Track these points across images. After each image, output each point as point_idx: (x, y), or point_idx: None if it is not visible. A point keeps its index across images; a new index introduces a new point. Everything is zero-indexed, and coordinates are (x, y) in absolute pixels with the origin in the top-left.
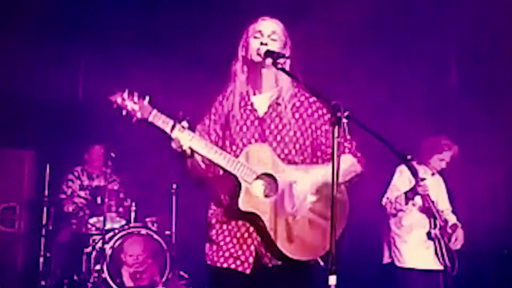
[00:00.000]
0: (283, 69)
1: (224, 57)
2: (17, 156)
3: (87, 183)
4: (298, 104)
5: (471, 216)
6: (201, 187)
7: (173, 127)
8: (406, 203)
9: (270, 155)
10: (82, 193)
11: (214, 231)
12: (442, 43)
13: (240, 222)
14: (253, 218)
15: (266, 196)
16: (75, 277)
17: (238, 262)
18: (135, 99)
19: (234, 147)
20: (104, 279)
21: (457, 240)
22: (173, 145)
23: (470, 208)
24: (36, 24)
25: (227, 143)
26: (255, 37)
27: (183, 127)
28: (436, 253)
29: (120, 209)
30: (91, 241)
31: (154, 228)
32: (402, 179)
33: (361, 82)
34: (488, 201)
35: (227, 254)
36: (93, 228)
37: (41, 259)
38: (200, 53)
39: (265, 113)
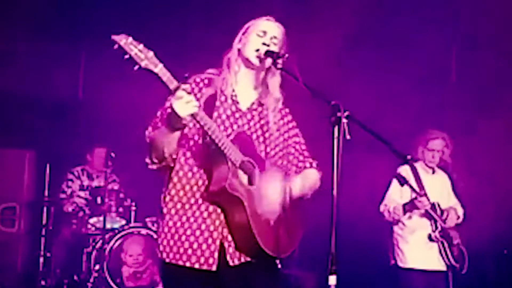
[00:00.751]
0: (283, 69)
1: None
2: (17, 156)
3: (87, 183)
4: (276, 110)
5: (471, 216)
6: (158, 167)
7: (178, 87)
8: (404, 214)
9: (254, 147)
10: (82, 193)
11: (171, 223)
12: (442, 42)
13: (205, 214)
14: (232, 204)
15: (249, 184)
16: (75, 277)
17: (202, 260)
18: (141, 46)
19: None
20: (104, 279)
21: (448, 219)
22: (178, 107)
23: (470, 208)
24: (36, 24)
25: None
26: (258, 35)
27: (187, 89)
28: (440, 254)
29: (120, 209)
30: (91, 241)
31: (154, 228)
32: (399, 189)
33: (361, 82)
34: (488, 201)
35: (189, 251)
36: (93, 228)
37: (41, 259)
38: (201, 53)
39: (248, 108)
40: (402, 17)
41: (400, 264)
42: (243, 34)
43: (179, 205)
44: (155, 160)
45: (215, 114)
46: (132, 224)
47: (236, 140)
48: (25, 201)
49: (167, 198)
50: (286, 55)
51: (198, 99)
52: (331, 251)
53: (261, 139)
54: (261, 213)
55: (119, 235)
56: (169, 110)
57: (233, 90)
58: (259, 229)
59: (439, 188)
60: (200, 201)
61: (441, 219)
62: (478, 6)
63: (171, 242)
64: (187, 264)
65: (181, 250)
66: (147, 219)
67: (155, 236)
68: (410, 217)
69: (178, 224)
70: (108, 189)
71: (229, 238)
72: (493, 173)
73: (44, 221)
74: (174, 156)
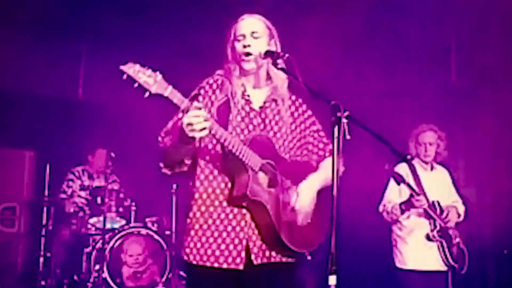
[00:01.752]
0: (282, 69)
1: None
2: (17, 156)
3: (88, 183)
4: (289, 103)
5: (471, 216)
6: (172, 173)
7: (189, 106)
8: (402, 213)
9: (272, 146)
10: (82, 193)
11: (197, 226)
12: (442, 42)
13: (231, 215)
14: (256, 207)
15: (269, 186)
16: (75, 277)
17: (230, 260)
18: (149, 72)
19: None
20: (104, 279)
21: (449, 219)
22: (187, 129)
23: (470, 208)
24: (36, 24)
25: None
26: (238, 40)
27: (198, 106)
28: (440, 254)
29: (120, 209)
30: (91, 241)
31: (154, 228)
32: (397, 188)
33: (361, 82)
34: (488, 202)
35: (217, 252)
36: (93, 228)
37: (41, 259)
38: (202, 53)
39: (261, 107)
40: (402, 17)
41: (398, 265)
42: (230, 42)
43: (203, 208)
44: (167, 167)
45: (230, 117)
46: (132, 224)
47: (253, 144)
48: (25, 201)
49: (192, 202)
50: (286, 55)
51: (212, 102)
52: (331, 251)
53: (278, 135)
54: (287, 210)
55: (119, 235)
56: (180, 124)
57: (245, 90)
58: (284, 228)
59: (438, 185)
60: (224, 203)
61: (441, 218)
62: (478, 6)
63: (198, 245)
64: (215, 265)
65: (209, 251)
66: (147, 219)
67: (155, 236)
68: (408, 217)
69: (205, 226)
70: (108, 189)
71: (253, 238)
72: (493, 172)
73: (44, 221)
74: (187, 162)
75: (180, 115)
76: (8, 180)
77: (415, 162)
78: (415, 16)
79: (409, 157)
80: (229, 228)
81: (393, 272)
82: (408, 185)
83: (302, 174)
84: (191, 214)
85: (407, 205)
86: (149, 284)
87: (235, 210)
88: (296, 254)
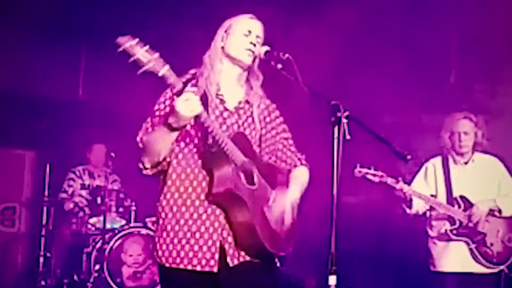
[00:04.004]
0: (283, 70)
1: None
2: (17, 156)
3: (88, 182)
4: (263, 106)
5: None
6: (152, 172)
7: (183, 88)
8: (409, 207)
9: (251, 146)
10: (83, 192)
11: (169, 227)
12: (442, 42)
13: (204, 216)
14: (234, 204)
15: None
16: (75, 277)
17: (203, 262)
18: (147, 47)
19: (199, 134)
20: (104, 279)
21: (474, 216)
22: (184, 108)
23: None
24: (36, 24)
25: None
26: (244, 35)
27: (194, 91)
28: (471, 255)
29: (120, 209)
30: (91, 241)
31: (154, 228)
32: (428, 178)
33: (360, 82)
34: None
35: (190, 254)
36: (93, 228)
37: (41, 259)
38: (200, 52)
39: (235, 107)
40: (401, 17)
41: (431, 267)
42: (226, 32)
43: (175, 208)
44: (148, 165)
45: (210, 115)
46: (132, 224)
47: (235, 140)
48: (25, 201)
49: (163, 202)
50: (287, 55)
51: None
52: (331, 251)
53: (249, 137)
54: (264, 210)
55: (119, 235)
56: (158, 117)
57: (219, 90)
58: (262, 228)
59: (475, 179)
60: (196, 202)
61: (461, 214)
62: (478, 5)
63: (170, 246)
64: (189, 267)
65: (182, 253)
66: (147, 219)
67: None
68: (436, 217)
69: (176, 227)
70: (108, 189)
71: (229, 239)
72: None
73: (44, 221)
74: (168, 159)
75: (156, 108)
76: (8, 180)
77: (450, 156)
78: (415, 16)
79: (409, 157)
80: (202, 228)
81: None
82: (385, 182)
83: (276, 177)
84: (162, 215)
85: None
86: (149, 284)
87: (209, 210)
88: (272, 255)
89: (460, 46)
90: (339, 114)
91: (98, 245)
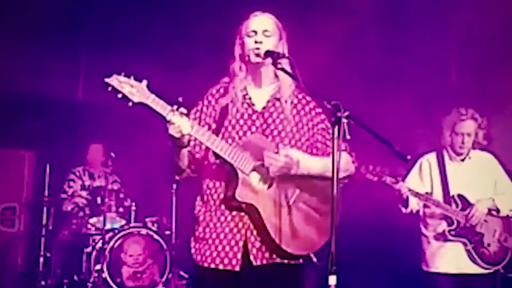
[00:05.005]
0: (283, 69)
1: (221, 53)
2: (17, 156)
3: (89, 183)
4: (296, 101)
5: None
6: (185, 179)
7: (172, 111)
8: (405, 207)
9: (268, 146)
10: (83, 193)
11: (200, 228)
12: (442, 41)
13: (229, 217)
14: (249, 209)
15: (263, 187)
16: (75, 277)
17: (226, 261)
18: (132, 82)
19: (230, 140)
20: (104, 279)
21: (473, 217)
22: (171, 131)
23: None
24: (36, 24)
25: (225, 136)
26: (249, 36)
27: (182, 112)
28: (468, 256)
29: (120, 209)
30: (91, 241)
31: (154, 228)
32: (423, 174)
33: (360, 82)
34: None
35: (214, 254)
36: (93, 228)
37: (41, 259)
38: (201, 53)
39: (264, 107)
40: (402, 16)
41: (424, 268)
42: (239, 38)
43: (206, 212)
44: (175, 173)
45: (233, 121)
46: (132, 224)
47: (248, 146)
48: (25, 201)
49: (199, 206)
50: (287, 55)
51: (215, 110)
52: (331, 251)
53: (283, 134)
54: (283, 211)
55: (119, 235)
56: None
57: (247, 93)
58: (278, 229)
59: (471, 177)
60: (223, 206)
61: (459, 214)
62: (479, 5)
63: (199, 246)
64: (212, 266)
65: (207, 253)
66: (147, 219)
67: (155, 236)
68: (431, 216)
69: (207, 229)
70: (108, 189)
71: (252, 239)
72: None
73: (44, 221)
74: (193, 167)
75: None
76: (8, 180)
77: (445, 152)
78: (416, 15)
79: (409, 157)
80: (227, 229)
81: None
82: (384, 182)
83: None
84: (196, 215)
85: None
86: (149, 284)
87: (234, 212)
88: (297, 256)
89: (460, 46)
90: (339, 114)
91: (98, 245)
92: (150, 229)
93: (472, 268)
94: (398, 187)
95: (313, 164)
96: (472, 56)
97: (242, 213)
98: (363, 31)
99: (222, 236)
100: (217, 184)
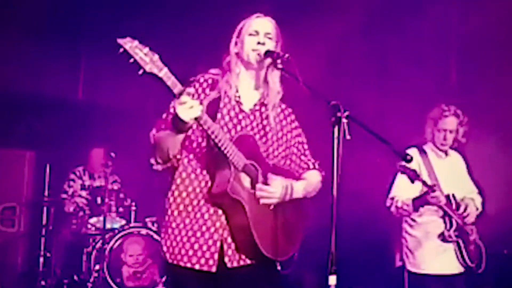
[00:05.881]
0: (283, 69)
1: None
2: (17, 156)
3: (88, 183)
4: (279, 110)
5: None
6: (162, 168)
7: (182, 91)
8: (415, 210)
9: (257, 148)
10: (83, 193)
11: (174, 224)
12: (442, 41)
13: (206, 215)
14: (234, 207)
15: (251, 187)
16: (75, 277)
17: (202, 261)
18: (146, 50)
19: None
20: (104, 279)
21: (467, 215)
22: (181, 111)
23: None
24: (36, 24)
25: None
26: (250, 35)
27: (190, 92)
28: (456, 255)
29: (120, 209)
30: (91, 241)
31: (154, 228)
32: (404, 181)
33: (360, 82)
34: (488, 203)
35: (190, 252)
36: (93, 228)
37: (41, 259)
38: (201, 53)
39: (250, 109)
40: (402, 16)
41: (411, 268)
42: (237, 36)
43: (181, 207)
44: (160, 161)
45: (219, 115)
46: (132, 224)
47: (239, 143)
48: (25, 201)
49: (171, 200)
50: (287, 55)
51: (201, 100)
52: (331, 251)
53: (264, 139)
54: (265, 214)
55: (119, 235)
56: (173, 113)
57: (237, 91)
58: (259, 232)
59: (453, 174)
60: (202, 202)
61: (458, 214)
62: (479, 6)
63: (174, 243)
64: (188, 265)
65: (183, 251)
66: (147, 219)
67: (155, 236)
68: (420, 214)
69: (181, 225)
70: (108, 189)
71: (229, 240)
72: (495, 172)
73: (44, 221)
74: (178, 157)
75: (172, 106)
76: (8, 180)
77: (427, 148)
78: (416, 15)
79: (409, 157)
80: (204, 228)
81: (397, 274)
82: (423, 182)
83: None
84: (169, 212)
85: (421, 201)
86: (149, 284)
87: (211, 210)
88: (271, 260)
89: (460, 46)
90: (339, 114)
91: (98, 245)
92: (150, 229)
93: (459, 268)
94: (435, 195)
95: (299, 189)
96: (472, 56)
97: (220, 212)
98: (363, 31)
99: (199, 234)
100: (200, 177)
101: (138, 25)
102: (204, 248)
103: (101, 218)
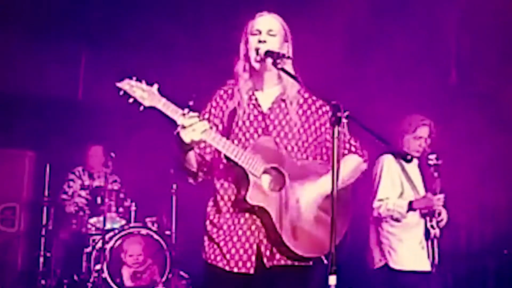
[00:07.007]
0: (283, 69)
1: (225, 52)
2: (17, 156)
3: (88, 182)
4: (301, 101)
5: (471, 217)
6: (197, 182)
7: (183, 115)
8: (408, 211)
9: (277, 149)
10: (83, 193)
11: (215, 229)
12: (443, 42)
13: (242, 220)
14: (260, 212)
15: (273, 190)
16: (75, 277)
17: (240, 264)
18: (144, 86)
19: (236, 142)
20: (104, 279)
21: (442, 219)
22: (184, 136)
23: (470, 208)
24: (36, 24)
25: (232, 138)
26: (253, 34)
27: (193, 116)
28: (428, 253)
29: (120, 209)
30: (91, 241)
31: (154, 228)
32: (390, 182)
33: (360, 82)
34: (488, 203)
35: (228, 256)
36: (93, 228)
37: (41, 259)
38: (201, 52)
39: (269, 108)
40: (401, 17)
41: (394, 266)
42: (244, 37)
43: (219, 213)
44: (190, 178)
45: (240, 123)
46: (132, 224)
47: (258, 149)
48: (25, 201)
49: (211, 207)
50: (287, 55)
51: (223, 112)
52: (331, 251)
53: (290, 135)
54: (293, 213)
55: (119, 235)
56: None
57: (253, 94)
58: (288, 232)
59: (419, 178)
60: (235, 208)
61: (436, 217)
62: (479, 5)
63: (213, 247)
64: (226, 268)
65: (219, 257)
66: (147, 219)
67: (155, 236)
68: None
69: (220, 232)
70: (108, 189)
71: (265, 241)
72: (495, 172)
73: (44, 221)
74: (204, 170)
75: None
76: (8, 180)
77: (398, 155)
78: (416, 15)
79: (409, 157)
80: (240, 232)
81: (387, 275)
82: (425, 184)
83: (312, 177)
84: (210, 217)
85: (419, 204)
86: (149, 284)
87: (247, 215)
88: (307, 258)
89: (460, 46)
90: (339, 114)
91: (98, 245)
92: (150, 229)
93: (428, 265)
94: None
95: (328, 188)
96: (472, 56)
97: (255, 216)
98: (362, 31)
99: (235, 239)
100: (226, 185)
101: (138, 25)
102: (241, 251)
103: (101, 218)
